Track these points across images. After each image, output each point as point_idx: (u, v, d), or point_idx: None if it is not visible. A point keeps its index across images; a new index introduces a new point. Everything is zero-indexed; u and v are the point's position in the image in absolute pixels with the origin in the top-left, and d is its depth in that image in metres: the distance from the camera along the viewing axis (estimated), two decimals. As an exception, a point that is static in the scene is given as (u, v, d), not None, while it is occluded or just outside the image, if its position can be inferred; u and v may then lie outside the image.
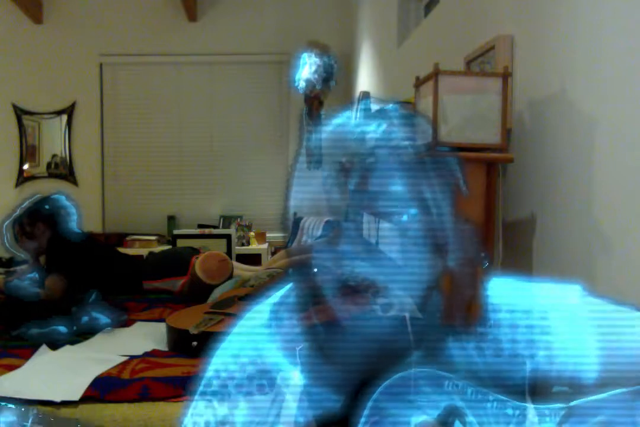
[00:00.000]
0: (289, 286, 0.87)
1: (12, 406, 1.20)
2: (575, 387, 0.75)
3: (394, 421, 0.72)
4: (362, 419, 0.71)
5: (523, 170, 1.68)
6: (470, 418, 0.72)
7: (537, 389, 0.76)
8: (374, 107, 0.83)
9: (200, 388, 0.85)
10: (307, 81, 2.84)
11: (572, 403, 0.73)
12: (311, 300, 0.80)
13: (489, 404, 0.73)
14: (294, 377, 0.78)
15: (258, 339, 0.83)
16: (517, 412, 0.73)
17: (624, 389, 0.72)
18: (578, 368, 0.76)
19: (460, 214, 0.80)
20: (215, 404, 0.82)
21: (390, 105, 0.82)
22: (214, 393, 0.83)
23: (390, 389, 0.72)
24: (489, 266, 0.83)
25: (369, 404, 0.72)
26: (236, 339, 0.86)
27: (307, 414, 0.77)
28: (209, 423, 0.82)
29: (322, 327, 0.79)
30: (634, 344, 0.77)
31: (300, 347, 0.78)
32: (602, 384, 0.74)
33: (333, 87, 2.90)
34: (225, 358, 0.84)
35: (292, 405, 0.77)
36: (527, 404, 0.73)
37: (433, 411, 0.72)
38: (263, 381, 0.80)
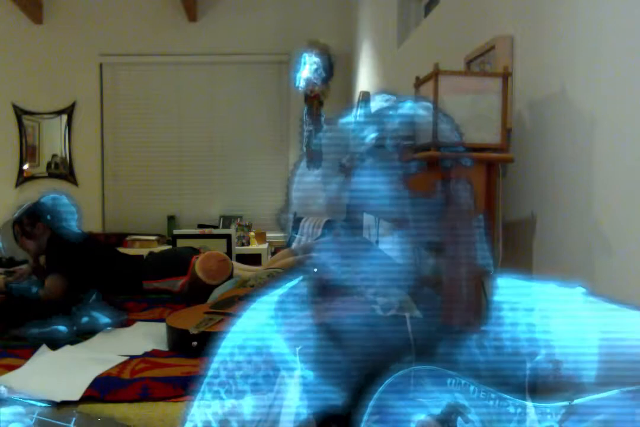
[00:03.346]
0: (297, 278, 0.87)
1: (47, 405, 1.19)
2: (575, 386, 0.75)
3: (397, 418, 0.72)
4: (365, 417, 0.72)
5: (523, 170, 1.68)
6: (472, 416, 0.72)
7: (537, 387, 0.76)
8: (386, 102, 0.83)
9: (208, 379, 0.85)
10: (307, 81, 2.84)
11: (573, 402, 0.73)
12: (313, 299, 0.80)
13: (491, 402, 0.73)
14: (298, 370, 0.79)
15: (264, 329, 0.83)
16: (519, 410, 0.73)
17: (624, 389, 0.72)
18: (578, 367, 0.77)
19: (472, 212, 0.80)
20: (223, 395, 0.82)
21: (408, 101, 0.82)
22: (221, 384, 0.83)
23: (394, 387, 0.72)
24: (491, 266, 0.83)
25: (372, 401, 0.72)
26: (242, 330, 0.86)
27: (309, 408, 0.77)
28: (216, 414, 0.82)
29: (323, 326, 0.79)
30: (634, 344, 0.77)
31: (302, 345, 0.78)
32: (603, 383, 0.75)
33: (330, 86, 2.90)
34: (231, 349, 0.84)
35: (294, 399, 0.77)
36: (528, 403, 0.74)
37: (436, 408, 0.72)
38: (269, 371, 0.80)
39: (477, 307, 0.80)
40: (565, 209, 1.47)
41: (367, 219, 0.77)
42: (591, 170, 1.35)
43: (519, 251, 1.68)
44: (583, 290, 0.82)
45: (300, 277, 0.87)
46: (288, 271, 2.16)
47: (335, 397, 0.76)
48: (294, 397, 0.77)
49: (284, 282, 0.87)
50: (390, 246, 0.77)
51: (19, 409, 0.87)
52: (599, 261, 1.32)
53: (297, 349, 0.78)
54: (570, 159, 1.45)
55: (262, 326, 0.83)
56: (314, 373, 0.78)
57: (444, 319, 0.79)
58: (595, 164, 1.34)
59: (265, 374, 0.80)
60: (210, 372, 0.85)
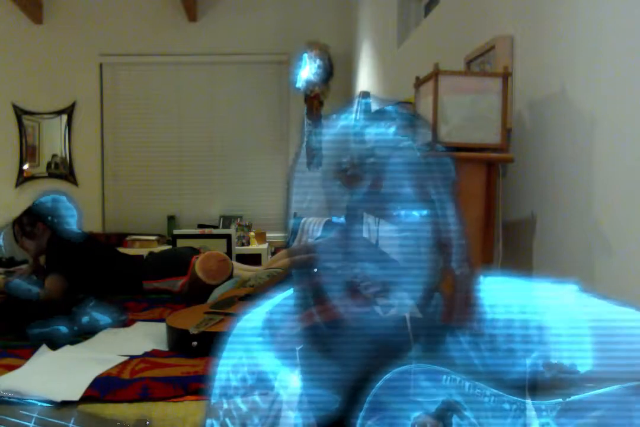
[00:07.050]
0: (284, 293, 0.87)
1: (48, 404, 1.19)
2: (571, 382, 0.76)
3: (393, 417, 0.72)
4: (361, 414, 0.71)
5: (523, 170, 1.68)
6: (467, 413, 0.72)
7: (534, 384, 0.76)
8: (374, 107, 0.83)
9: (212, 412, 0.84)
10: (307, 81, 2.84)
11: (569, 399, 0.73)
12: (313, 300, 0.80)
13: (486, 399, 0.73)
14: (292, 382, 0.78)
15: (253, 348, 0.83)
16: (514, 407, 0.73)
17: (619, 385, 0.73)
18: (573, 364, 0.77)
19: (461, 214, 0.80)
20: (228, 421, 0.81)
21: (390, 106, 0.82)
22: (226, 413, 0.82)
23: (389, 385, 0.72)
24: (480, 267, 0.83)
25: (368, 400, 0.72)
26: (233, 354, 0.85)
27: (307, 417, 0.76)
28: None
29: (323, 326, 0.79)
30: (629, 341, 0.77)
31: (299, 347, 0.78)
32: (598, 380, 0.75)
33: (330, 86, 2.90)
34: (227, 374, 0.84)
35: (290, 411, 0.77)
36: (523, 399, 0.74)
37: (431, 405, 0.72)
38: (263, 389, 0.80)
39: (474, 305, 0.80)
40: (565, 209, 1.47)
41: (368, 219, 0.77)
42: (591, 170, 1.35)
43: (519, 251, 1.68)
44: (576, 287, 0.82)
45: (295, 282, 0.87)
46: (289, 271, 2.16)
47: (332, 401, 0.76)
48: (291, 404, 0.77)
49: (275, 295, 0.87)
50: (393, 247, 0.77)
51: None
52: (599, 261, 1.32)
53: (294, 353, 0.78)
54: (570, 159, 1.45)
55: (251, 345, 0.83)
56: (310, 375, 0.78)
57: (444, 318, 0.80)
58: (595, 164, 1.34)
59: (261, 393, 0.80)
60: (212, 403, 0.84)
